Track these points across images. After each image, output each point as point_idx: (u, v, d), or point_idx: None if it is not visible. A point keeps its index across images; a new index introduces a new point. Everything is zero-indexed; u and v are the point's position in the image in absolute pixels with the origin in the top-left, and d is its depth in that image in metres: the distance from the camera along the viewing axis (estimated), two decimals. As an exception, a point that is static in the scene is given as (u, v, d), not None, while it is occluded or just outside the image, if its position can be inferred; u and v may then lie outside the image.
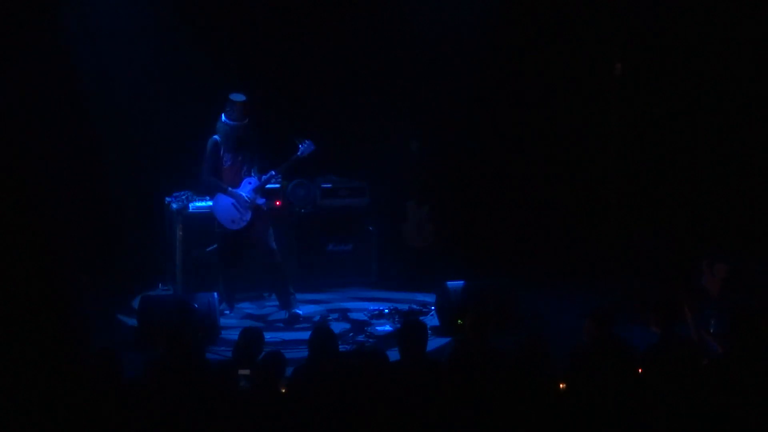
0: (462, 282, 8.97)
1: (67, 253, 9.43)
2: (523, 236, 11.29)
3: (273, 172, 9.08)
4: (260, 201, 9.13)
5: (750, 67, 10.58)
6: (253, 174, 9.09)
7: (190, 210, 9.73)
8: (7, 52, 9.61)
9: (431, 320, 8.99)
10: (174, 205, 9.76)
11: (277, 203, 10.04)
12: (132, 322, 8.91)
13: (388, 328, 8.78)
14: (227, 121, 8.95)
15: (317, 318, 9.22)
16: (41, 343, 7.14)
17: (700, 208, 10.82)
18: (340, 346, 7.82)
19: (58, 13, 9.91)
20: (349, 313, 9.40)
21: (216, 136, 9.01)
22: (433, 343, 7.86)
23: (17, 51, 9.70)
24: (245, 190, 9.05)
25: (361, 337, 8.62)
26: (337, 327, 8.73)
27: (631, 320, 7.54)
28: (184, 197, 9.81)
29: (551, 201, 11.60)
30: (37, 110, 9.84)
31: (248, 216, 9.06)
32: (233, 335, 7.74)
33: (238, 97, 8.91)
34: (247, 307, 9.70)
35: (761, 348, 5.96)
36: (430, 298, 9.68)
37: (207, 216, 9.47)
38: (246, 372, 6.02)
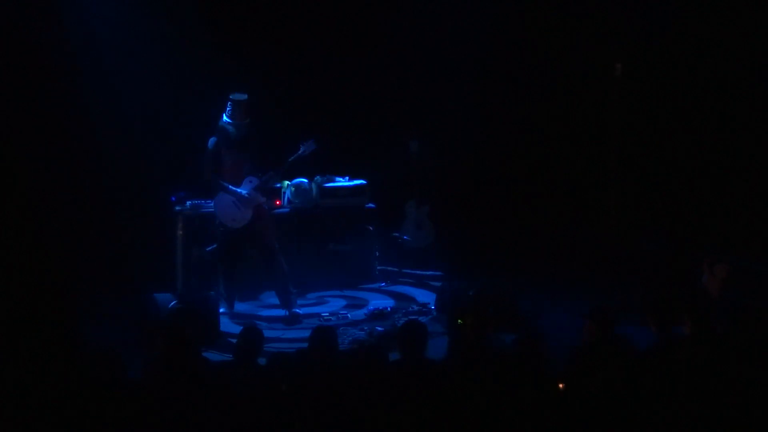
0: (461, 282, 8.98)
1: (69, 254, 9.47)
2: (522, 236, 11.29)
3: (271, 173, 9.12)
4: (261, 200, 9.15)
5: (750, 67, 10.58)
6: (253, 174, 9.12)
7: (189, 209, 9.76)
8: (9, 53, 9.62)
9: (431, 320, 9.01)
10: (177, 207, 9.79)
11: (277, 202, 10.06)
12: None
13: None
14: (228, 120, 8.98)
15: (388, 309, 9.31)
16: (43, 344, 7.15)
17: (700, 208, 10.82)
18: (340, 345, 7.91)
19: (62, 16, 9.91)
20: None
21: (217, 135, 9.04)
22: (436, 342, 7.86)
23: (19, 51, 9.71)
24: (246, 188, 9.07)
25: (361, 335, 8.63)
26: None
27: (631, 320, 7.53)
28: (183, 196, 9.84)
29: (551, 201, 11.60)
30: (38, 110, 9.86)
31: (249, 215, 9.08)
32: (233, 335, 7.75)
33: (240, 97, 8.95)
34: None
35: (760, 348, 5.97)
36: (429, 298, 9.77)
37: (207, 216, 9.49)
38: None
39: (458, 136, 11.30)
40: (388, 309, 9.32)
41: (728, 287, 8.01)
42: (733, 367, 5.82)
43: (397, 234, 10.68)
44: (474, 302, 8.30)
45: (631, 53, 10.94)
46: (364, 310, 9.41)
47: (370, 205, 10.53)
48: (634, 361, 6.03)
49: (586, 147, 11.48)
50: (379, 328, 8.73)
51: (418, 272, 10.67)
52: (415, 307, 9.50)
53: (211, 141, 9.06)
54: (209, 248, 9.47)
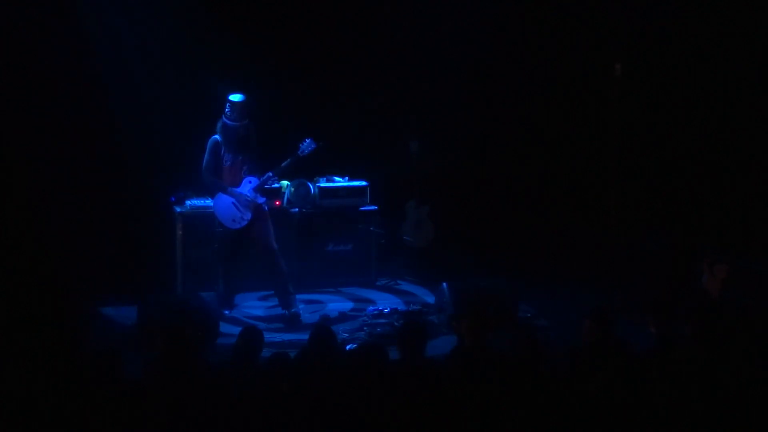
0: (461, 282, 8.98)
1: (69, 254, 9.47)
2: (523, 236, 11.28)
3: (270, 174, 9.13)
4: (260, 200, 9.16)
5: (750, 67, 10.58)
6: (252, 175, 9.13)
7: (189, 209, 9.79)
8: (7, 53, 9.63)
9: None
10: (177, 207, 9.81)
11: (277, 203, 10.06)
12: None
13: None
14: (227, 121, 9.01)
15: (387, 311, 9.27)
16: (43, 344, 7.15)
17: (700, 208, 10.82)
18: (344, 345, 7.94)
19: (60, 16, 9.91)
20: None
21: (216, 136, 9.07)
22: (437, 342, 7.87)
23: (17, 52, 9.72)
24: (245, 189, 9.09)
25: (361, 335, 8.64)
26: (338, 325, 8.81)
27: (631, 320, 7.54)
28: (182, 196, 9.87)
29: (551, 201, 11.60)
30: (37, 111, 9.86)
31: (249, 215, 9.09)
32: (233, 335, 7.74)
33: (237, 98, 8.97)
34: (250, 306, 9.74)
35: (760, 348, 5.97)
36: (430, 298, 9.77)
37: (207, 216, 9.50)
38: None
39: (458, 136, 11.29)
40: (387, 310, 9.30)
41: (728, 287, 8.01)
42: (733, 367, 5.82)
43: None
44: (474, 302, 8.30)
45: (631, 53, 10.92)
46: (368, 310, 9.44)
47: (372, 207, 10.52)
48: (634, 361, 6.03)
49: (586, 147, 11.47)
50: (379, 329, 8.73)
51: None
52: (417, 307, 9.51)
53: (211, 141, 9.08)
54: (209, 249, 9.48)
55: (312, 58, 10.81)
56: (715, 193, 10.80)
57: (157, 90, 10.27)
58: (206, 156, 9.09)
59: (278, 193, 10.12)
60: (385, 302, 9.73)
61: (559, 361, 6.12)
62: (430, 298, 9.80)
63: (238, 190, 9.08)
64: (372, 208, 10.51)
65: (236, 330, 7.20)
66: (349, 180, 10.57)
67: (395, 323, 8.78)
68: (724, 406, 5.53)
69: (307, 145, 9.19)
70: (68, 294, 8.69)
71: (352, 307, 9.69)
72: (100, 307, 9.35)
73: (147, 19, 10.23)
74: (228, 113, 8.99)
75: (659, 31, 10.80)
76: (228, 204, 9.10)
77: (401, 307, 9.44)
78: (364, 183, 10.54)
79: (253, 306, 9.73)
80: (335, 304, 9.76)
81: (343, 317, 9.33)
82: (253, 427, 5.49)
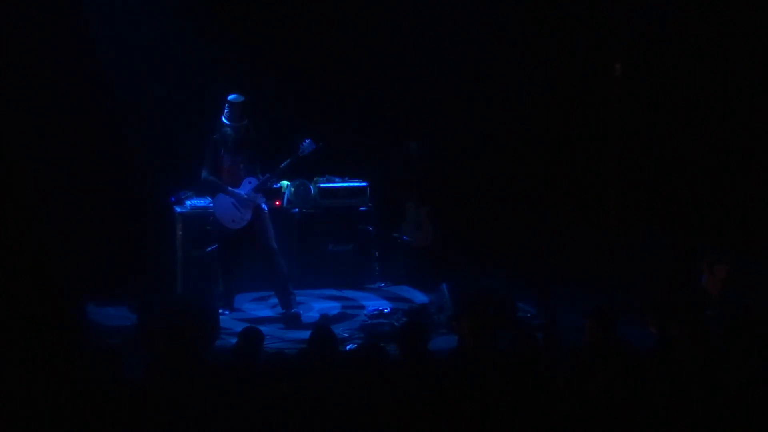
0: (461, 282, 8.98)
1: (69, 255, 9.46)
2: (523, 236, 11.27)
3: (269, 175, 9.15)
4: (260, 200, 9.17)
5: (750, 67, 10.58)
6: (252, 175, 9.14)
7: (189, 209, 9.79)
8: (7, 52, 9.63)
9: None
10: (177, 207, 9.82)
11: (277, 203, 10.07)
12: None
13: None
14: (226, 121, 9.02)
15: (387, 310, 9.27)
16: (43, 343, 7.15)
17: (700, 207, 10.82)
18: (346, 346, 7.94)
19: (60, 15, 9.91)
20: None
21: (215, 136, 9.07)
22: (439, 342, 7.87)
23: (18, 51, 9.72)
24: (245, 189, 9.09)
25: (360, 335, 8.65)
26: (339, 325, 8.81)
27: (631, 320, 7.53)
28: (182, 197, 9.88)
29: (551, 201, 11.59)
30: (37, 111, 9.86)
31: (248, 215, 9.10)
32: (233, 335, 7.75)
33: (235, 98, 8.98)
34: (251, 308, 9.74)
35: (760, 348, 5.97)
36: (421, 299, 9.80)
37: (207, 216, 9.50)
38: None
39: (458, 136, 11.29)
40: (387, 310, 9.30)
41: (728, 287, 8.02)
42: (733, 367, 5.82)
43: (396, 234, 10.67)
44: (474, 302, 8.30)
45: (631, 53, 10.92)
46: (365, 311, 9.42)
47: (370, 205, 10.52)
48: (634, 361, 6.03)
49: (586, 147, 11.46)
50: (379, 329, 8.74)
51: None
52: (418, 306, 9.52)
53: (210, 142, 9.10)
54: (209, 249, 9.48)
55: (312, 58, 10.81)
56: (715, 193, 10.79)
57: (158, 90, 10.28)
58: (205, 156, 9.11)
59: (278, 193, 10.12)
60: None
61: (559, 361, 6.12)
62: (422, 299, 9.80)
63: (238, 190, 9.09)
64: (372, 208, 10.51)
65: (236, 330, 7.20)
66: (349, 180, 10.57)
67: (395, 323, 8.78)
68: (724, 406, 5.53)
69: (307, 145, 9.20)
70: (68, 294, 8.67)
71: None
72: (101, 307, 9.35)
73: (147, 19, 10.25)
74: (227, 114, 9.01)
75: (659, 31, 10.80)
76: (228, 204, 9.11)
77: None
78: (363, 183, 10.54)
79: (254, 307, 9.73)
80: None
81: (342, 317, 9.33)
82: (253, 427, 5.48)
